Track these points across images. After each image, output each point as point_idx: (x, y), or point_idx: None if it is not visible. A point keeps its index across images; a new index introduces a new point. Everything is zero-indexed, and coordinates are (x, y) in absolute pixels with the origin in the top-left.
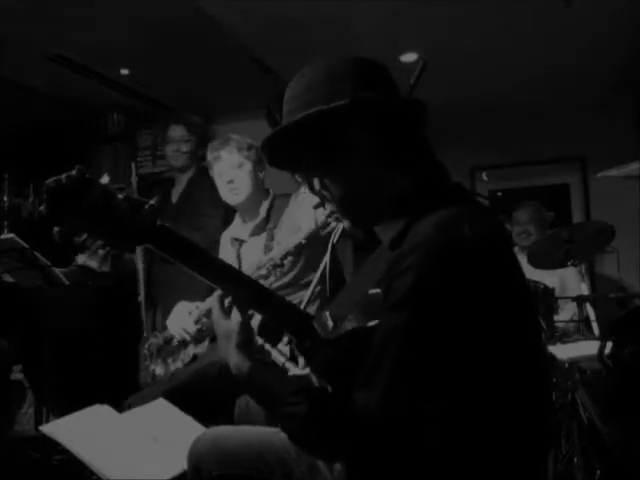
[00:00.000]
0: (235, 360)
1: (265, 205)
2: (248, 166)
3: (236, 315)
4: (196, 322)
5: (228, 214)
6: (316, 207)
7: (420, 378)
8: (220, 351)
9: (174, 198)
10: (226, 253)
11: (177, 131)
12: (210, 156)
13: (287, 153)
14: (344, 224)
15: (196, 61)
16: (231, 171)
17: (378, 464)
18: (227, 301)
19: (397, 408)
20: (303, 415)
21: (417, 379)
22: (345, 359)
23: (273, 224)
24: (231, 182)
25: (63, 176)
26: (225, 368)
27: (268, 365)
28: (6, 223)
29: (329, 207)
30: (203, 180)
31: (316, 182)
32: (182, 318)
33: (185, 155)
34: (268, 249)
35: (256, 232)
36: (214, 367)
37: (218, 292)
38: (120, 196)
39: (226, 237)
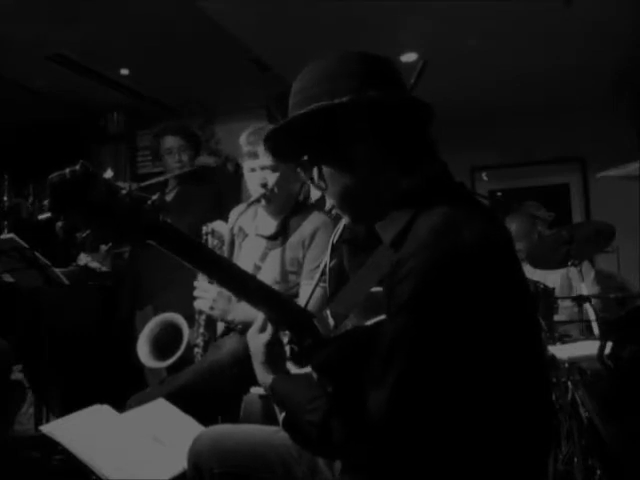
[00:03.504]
0: (259, 375)
1: (283, 215)
2: (282, 170)
3: (266, 334)
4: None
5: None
6: (329, 210)
7: (426, 381)
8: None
9: (168, 197)
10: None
11: (174, 142)
12: (246, 147)
13: (289, 146)
14: (344, 220)
15: (196, 61)
16: (263, 173)
17: (391, 463)
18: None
19: (406, 410)
20: (319, 423)
21: (423, 382)
22: (346, 358)
23: (287, 237)
24: (264, 186)
25: (67, 170)
26: (227, 369)
27: (292, 377)
28: (6, 223)
29: (329, 202)
30: (196, 178)
31: (316, 176)
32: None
33: (186, 162)
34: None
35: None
36: (216, 367)
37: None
38: (123, 191)
39: (234, 214)
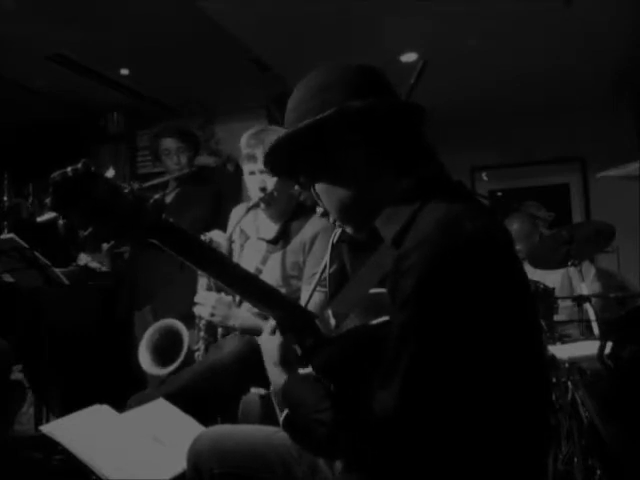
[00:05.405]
0: (273, 376)
1: (284, 219)
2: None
3: (278, 336)
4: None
5: (223, 216)
6: (322, 215)
7: (432, 376)
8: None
9: (168, 198)
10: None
11: (172, 143)
12: (245, 150)
13: (287, 164)
14: (347, 230)
15: (196, 61)
16: (262, 176)
17: (397, 463)
18: (274, 324)
19: (413, 408)
20: (328, 421)
21: (430, 378)
22: (347, 357)
23: (288, 241)
24: (264, 189)
25: (69, 169)
26: (229, 368)
27: (303, 378)
28: (6, 223)
29: (332, 216)
30: (196, 179)
31: (314, 192)
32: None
33: (185, 164)
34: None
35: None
36: (218, 367)
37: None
38: (125, 190)
39: (237, 212)
